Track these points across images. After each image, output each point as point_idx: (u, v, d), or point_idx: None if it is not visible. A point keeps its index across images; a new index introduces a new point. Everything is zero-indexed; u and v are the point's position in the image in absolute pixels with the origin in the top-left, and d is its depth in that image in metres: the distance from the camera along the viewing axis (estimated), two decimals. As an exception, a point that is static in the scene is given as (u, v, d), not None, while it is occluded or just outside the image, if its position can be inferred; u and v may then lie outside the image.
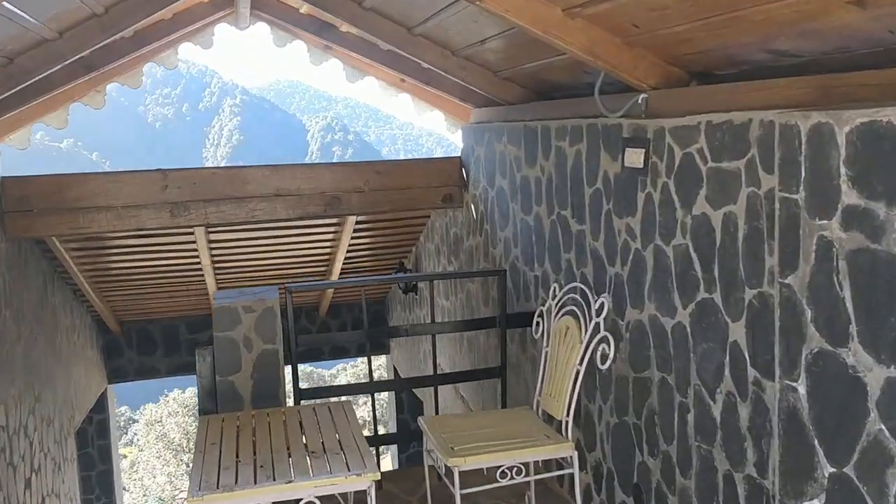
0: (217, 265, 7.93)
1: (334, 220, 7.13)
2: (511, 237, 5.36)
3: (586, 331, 3.92)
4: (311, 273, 8.73)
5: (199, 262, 7.55)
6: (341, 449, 3.67)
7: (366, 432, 4.19)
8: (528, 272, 5.08)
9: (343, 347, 10.20)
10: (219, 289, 8.51)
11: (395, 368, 10.11)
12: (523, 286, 5.17)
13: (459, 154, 6.43)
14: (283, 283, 9.09)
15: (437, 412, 5.01)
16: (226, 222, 6.05)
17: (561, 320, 4.19)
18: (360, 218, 6.99)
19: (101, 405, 9.33)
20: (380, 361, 11.36)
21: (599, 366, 3.82)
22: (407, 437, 8.89)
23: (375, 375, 6.39)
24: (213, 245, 7.29)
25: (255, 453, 3.64)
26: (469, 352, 6.43)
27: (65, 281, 7.44)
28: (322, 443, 3.76)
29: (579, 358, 3.92)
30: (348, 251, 7.88)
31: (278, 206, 6.10)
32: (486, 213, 5.86)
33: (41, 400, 6.29)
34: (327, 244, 7.81)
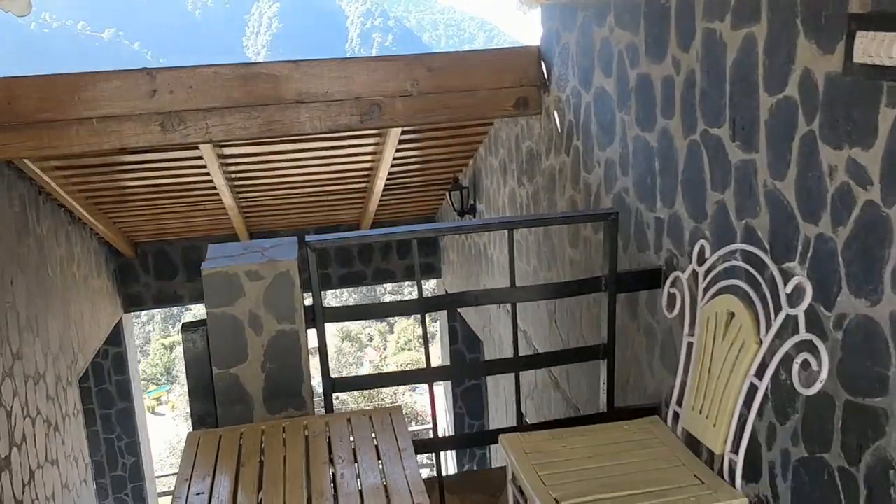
0: (235, 184, 6.59)
1: (373, 132, 5.69)
2: (617, 160, 3.88)
3: (769, 327, 2.50)
4: (347, 191, 7.37)
5: (212, 182, 6.21)
6: (387, 497, 2.41)
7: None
8: (644, 212, 3.64)
9: (388, 270, 8.92)
10: (241, 210, 7.21)
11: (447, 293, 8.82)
12: (635, 230, 3.73)
13: (538, 43, 4.86)
14: (312, 207, 7.82)
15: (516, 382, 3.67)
16: (233, 138, 4.65)
17: (717, 301, 2.76)
18: (406, 128, 5.54)
19: (116, 337, 8.26)
20: (429, 284, 10.06)
21: (798, 387, 2.41)
22: (476, 439, 7.53)
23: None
24: (227, 162, 5.93)
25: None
26: (556, 315, 5.07)
27: (54, 205, 6.19)
28: (359, 490, 2.49)
29: (755, 366, 2.52)
30: (392, 165, 6.46)
31: (301, 115, 4.67)
32: (576, 124, 4.36)
33: (23, 357, 5.14)
34: (367, 158, 6.40)
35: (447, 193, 6.98)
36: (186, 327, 3.15)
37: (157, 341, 38.57)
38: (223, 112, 4.58)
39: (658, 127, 3.43)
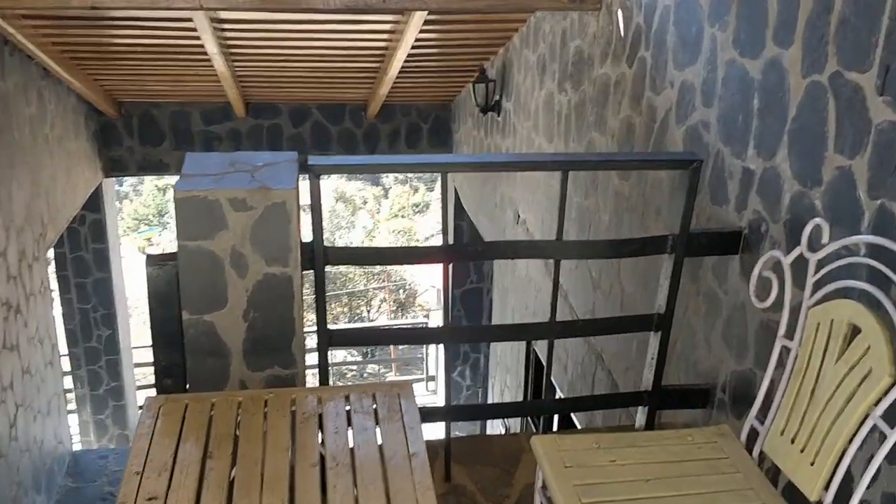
0: (230, 52, 5.77)
1: (395, 11, 4.86)
2: (698, 86, 3.15)
3: (914, 360, 1.89)
4: (357, 69, 6.55)
5: (204, 48, 5.40)
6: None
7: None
8: (727, 157, 2.95)
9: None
10: (237, 79, 6.40)
11: (456, 193, 8.14)
12: (712, 178, 3.06)
13: (607, -78, 4.00)
14: (317, 82, 6.95)
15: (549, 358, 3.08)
16: (228, 5, 3.84)
17: (835, 306, 2.13)
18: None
19: (95, 202, 7.62)
20: (417, 200, 9.29)
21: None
22: (493, 410, 6.48)
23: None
24: (221, 27, 5.11)
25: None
26: (598, 268, 4.43)
27: (22, 56, 5.39)
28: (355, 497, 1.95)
29: (884, 406, 1.93)
30: (412, 47, 5.64)
31: None
32: (646, 31, 3.58)
33: (-24, 235, 4.52)
34: (383, 38, 5.57)
35: (471, 85, 6.18)
36: (152, 261, 2.51)
37: (150, 181, 38.02)
38: (218, -29, 3.76)
39: (766, 55, 2.68)
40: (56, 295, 7.52)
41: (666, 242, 2.83)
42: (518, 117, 5.61)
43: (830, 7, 2.35)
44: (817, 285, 2.25)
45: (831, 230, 2.30)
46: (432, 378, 10.84)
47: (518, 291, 5.86)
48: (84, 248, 7.69)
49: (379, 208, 35.18)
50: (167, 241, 30.35)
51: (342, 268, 24.00)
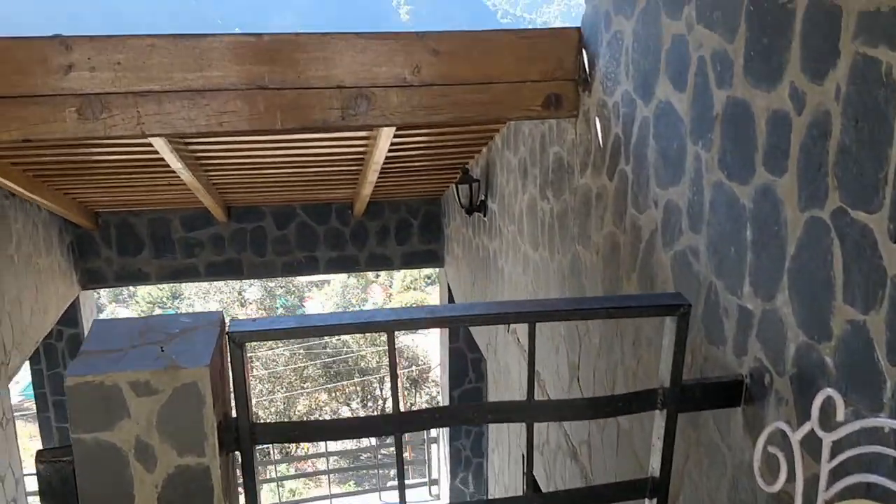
0: (199, 164, 5.51)
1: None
2: (684, 208, 2.79)
3: None
4: (337, 172, 6.29)
5: (169, 166, 5.13)
6: None
7: None
8: (721, 292, 2.57)
9: (383, 256, 7.87)
10: (214, 187, 6.14)
11: (449, 289, 7.78)
12: (705, 313, 2.67)
13: (579, 24, 3.72)
14: (298, 185, 6.66)
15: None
16: (173, 132, 3.56)
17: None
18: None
19: (72, 316, 7.29)
20: (429, 273, 8.94)
21: None
22: None
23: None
24: (182, 145, 4.84)
25: None
26: (579, 371, 4.04)
27: (-23, 181, 5.13)
28: None
29: None
30: (389, 150, 5.36)
31: (262, 105, 3.57)
32: (625, 142, 3.25)
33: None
34: (358, 145, 5.30)
35: (454, 186, 5.88)
36: (43, 456, 2.13)
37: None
38: (161, 97, 3.49)
39: (756, 181, 2.33)
40: (33, 414, 7.12)
41: (656, 397, 2.43)
42: (503, 220, 5.27)
43: (827, 132, 2.00)
44: (834, 475, 1.84)
45: (847, 400, 1.91)
46: (435, 482, 10.28)
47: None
48: (62, 365, 7.34)
49: (391, 281, 34.91)
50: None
51: (352, 344, 23.55)
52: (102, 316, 39.92)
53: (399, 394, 2.44)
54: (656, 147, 2.98)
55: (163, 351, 2.18)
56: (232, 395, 2.32)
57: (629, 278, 3.25)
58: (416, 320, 2.36)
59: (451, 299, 7.87)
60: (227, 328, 2.24)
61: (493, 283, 5.63)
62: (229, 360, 2.23)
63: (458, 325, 4.39)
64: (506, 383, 5.64)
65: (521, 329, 4.97)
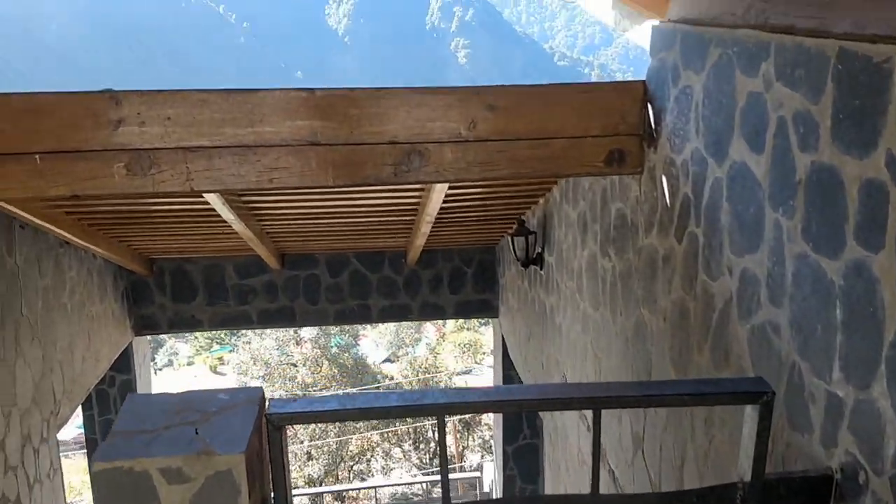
0: (252, 215, 5.45)
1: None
2: (762, 279, 2.56)
3: None
4: (395, 223, 6.18)
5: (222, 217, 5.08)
6: None
7: None
8: (806, 375, 2.33)
9: (437, 306, 7.71)
10: (267, 235, 6.08)
11: (503, 340, 7.56)
12: (788, 397, 2.42)
13: (644, 77, 3.54)
14: (352, 234, 6.60)
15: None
16: (222, 188, 3.47)
17: None
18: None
19: (125, 362, 7.28)
20: (489, 336, 8.71)
21: None
22: None
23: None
24: (235, 201, 4.79)
25: None
26: (644, 443, 3.78)
27: (35, 231, 5.15)
28: None
29: None
30: (445, 201, 5.22)
31: (313, 161, 3.46)
32: (695, 203, 3.04)
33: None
34: (411, 198, 5.18)
35: (510, 238, 5.70)
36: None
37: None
38: (211, 153, 3.40)
39: (848, 256, 2.10)
40: (83, 457, 7.08)
41: (735, 492, 2.18)
42: (561, 274, 5.07)
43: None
44: None
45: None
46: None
47: (572, 472, 5.17)
48: (113, 411, 7.31)
49: (445, 321, 34.66)
50: (236, 362, 30.30)
51: (405, 384, 23.36)
52: (161, 352, 40.44)
53: (448, 480, 2.24)
54: (731, 210, 2.76)
55: (197, 433, 2.03)
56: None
57: (700, 349, 3.01)
58: (468, 403, 2.17)
59: (504, 351, 7.65)
60: (266, 408, 2.09)
61: (550, 341, 5.40)
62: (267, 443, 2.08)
63: (515, 411, 4.15)
64: (563, 446, 5.38)
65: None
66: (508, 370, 7.66)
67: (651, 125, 3.43)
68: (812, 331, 2.28)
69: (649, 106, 3.44)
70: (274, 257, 6.97)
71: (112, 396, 7.30)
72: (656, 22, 3.70)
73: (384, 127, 3.49)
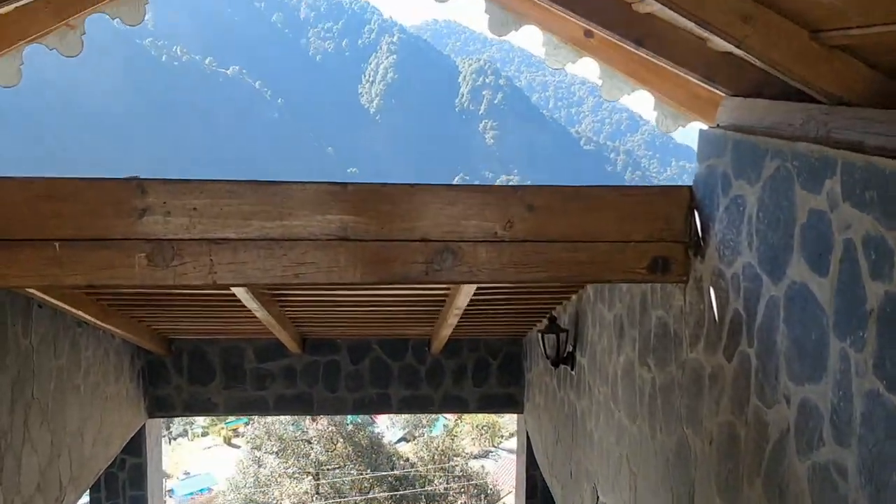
0: (279, 300, 5.32)
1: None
2: (826, 413, 2.33)
3: None
4: (421, 312, 6.02)
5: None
6: None
7: None
8: (880, 532, 2.07)
9: (459, 398, 7.46)
10: (289, 320, 5.92)
11: (527, 436, 7.26)
12: (858, 553, 2.16)
13: (691, 183, 3.38)
14: (375, 321, 6.43)
15: None
16: (246, 282, 3.33)
17: None
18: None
19: (137, 445, 7.06)
20: (509, 419, 8.39)
21: None
22: None
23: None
24: (259, 290, 4.65)
25: None
26: (671, 551, 3.49)
27: (52, 311, 5.03)
28: None
29: None
30: (474, 293, 5.04)
31: (342, 257, 3.32)
32: (747, 321, 2.83)
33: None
34: (436, 296, 5.03)
35: (539, 335, 5.49)
36: None
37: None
38: (236, 246, 3.27)
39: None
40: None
41: None
42: (594, 378, 4.83)
43: None
44: None
45: None
46: None
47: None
48: (121, 496, 7.05)
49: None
50: (251, 435, 29.84)
51: (420, 466, 22.77)
52: (177, 420, 39.92)
53: None
54: (788, 334, 2.55)
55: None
56: None
57: (752, 482, 2.76)
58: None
59: (528, 449, 7.34)
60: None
61: (581, 448, 5.12)
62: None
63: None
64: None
65: (613, 501, 4.44)
66: (532, 470, 7.33)
67: (698, 233, 3.26)
68: (886, 480, 2.05)
69: (696, 213, 3.27)
70: (294, 341, 6.80)
71: (122, 480, 7.06)
72: (703, 125, 3.57)
73: (416, 223, 3.35)
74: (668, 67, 3.41)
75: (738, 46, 2.54)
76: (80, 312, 5.01)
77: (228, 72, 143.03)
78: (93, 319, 5.25)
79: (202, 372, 7.19)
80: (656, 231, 3.36)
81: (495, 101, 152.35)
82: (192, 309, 5.78)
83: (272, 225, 3.29)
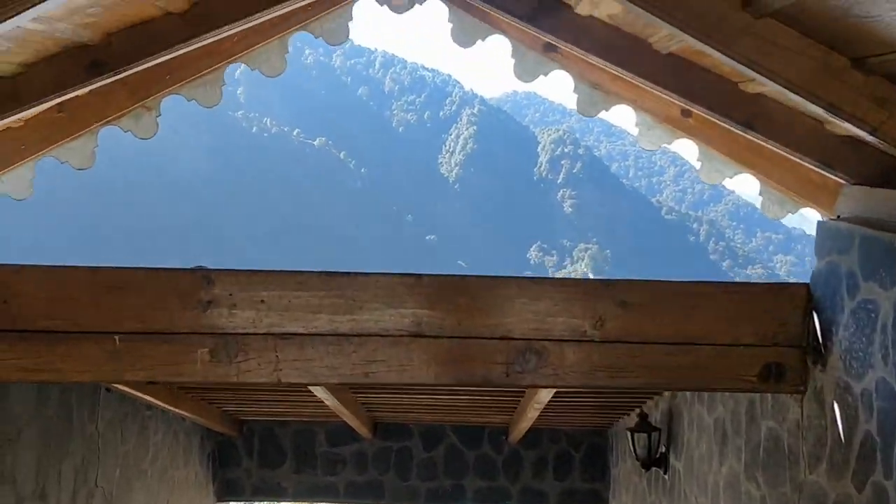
0: (346, 392, 5.08)
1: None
2: None
3: None
4: (499, 400, 5.69)
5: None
6: None
7: None
8: None
9: (540, 492, 7.01)
10: (360, 405, 5.67)
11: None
12: None
13: (808, 280, 3.01)
14: (451, 407, 6.16)
15: None
16: (312, 381, 3.09)
17: None
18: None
19: (202, 530, 6.83)
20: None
21: None
22: None
23: None
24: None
25: None
26: None
27: (120, 395, 4.91)
28: None
29: None
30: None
31: (415, 355, 3.05)
32: (882, 446, 2.42)
33: None
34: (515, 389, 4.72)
35: (629, 433, 5.07)
36: None
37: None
38: (303, 341, 3.05)
39: None
40: None
41: None
42: (691, 486, 4.38)
43: None
44: None
45: None
46: None
47: None
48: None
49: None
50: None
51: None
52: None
53: None
54: (941, 471, 2.14)
55: None
56: None
57: None
58: None
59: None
60: None
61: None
62: None
63: None
64: None
65: None
66: None
67: (817, 338, 2.87)
68: None
69: (815, 315, 2.89)
70: (366, 426, 6.53)
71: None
72: (816, 213, 3.22)
73: (497, 319, 3.07)
74: (779, 151, 3.09)
75: (871, 133, 2.21)
76: (149, 398, 4.87)
77: (315, 143, 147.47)
78: (163, 404, 5.11)
79: (273, 455, 6.97)
80: (769, 334, 2.98)
81: (574, 170, 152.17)
82: (263, 392, 5.59)
83: (342, 319, 3.06)
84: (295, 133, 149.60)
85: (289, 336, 3.05)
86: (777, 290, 3.03)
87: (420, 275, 3.12)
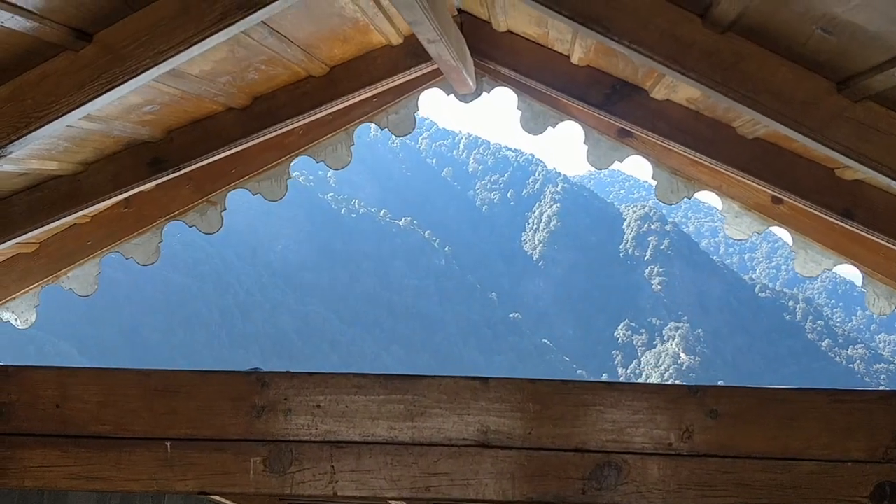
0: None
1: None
2: None
3: None
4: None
5: None
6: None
7: None
8: None
9: None
10: None
11: None
12: None
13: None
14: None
15: None
16: (370, 495, 2.86)
17: None
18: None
19: None
20: None
21: None
22: None
23: None
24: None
25: None
26: None
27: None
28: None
29: None
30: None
31: (483, 469, 2.80)
32: None
33: None
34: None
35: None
36: None
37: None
38: (360, 450, 2.84)
39: None
40: None
41: None
42: None
43: None
44: None
45: None
46: None
47: None
48: None
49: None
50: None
51: None
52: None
53: None
54: None
55: None
56: None
57: None
58: None
59: None
60: None
61: None
62: None
63: None
64: None
65: None
66: None
67: (941, 457, 2.49)
68: None
69: (936, 430, 2.52)
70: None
71: None
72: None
73: (571, 429, 2.80)
74: (883, 242, 2.78)
75: None
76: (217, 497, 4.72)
77: (401, 223, 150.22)
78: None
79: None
80: (881, 448, 2.62)
81: (661, 247, 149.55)
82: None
83: (401, 426, 2.85)
84: (382, 213, 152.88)
85: (345, 444, 2.86)
86: (889, 399, 2.67)
87: (486, 378, 2.90)
